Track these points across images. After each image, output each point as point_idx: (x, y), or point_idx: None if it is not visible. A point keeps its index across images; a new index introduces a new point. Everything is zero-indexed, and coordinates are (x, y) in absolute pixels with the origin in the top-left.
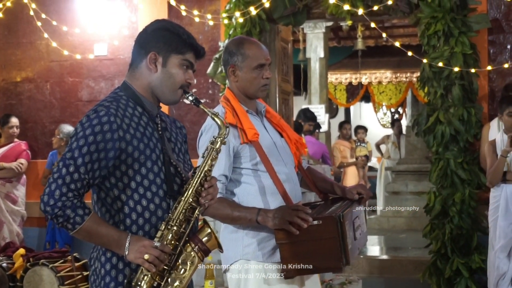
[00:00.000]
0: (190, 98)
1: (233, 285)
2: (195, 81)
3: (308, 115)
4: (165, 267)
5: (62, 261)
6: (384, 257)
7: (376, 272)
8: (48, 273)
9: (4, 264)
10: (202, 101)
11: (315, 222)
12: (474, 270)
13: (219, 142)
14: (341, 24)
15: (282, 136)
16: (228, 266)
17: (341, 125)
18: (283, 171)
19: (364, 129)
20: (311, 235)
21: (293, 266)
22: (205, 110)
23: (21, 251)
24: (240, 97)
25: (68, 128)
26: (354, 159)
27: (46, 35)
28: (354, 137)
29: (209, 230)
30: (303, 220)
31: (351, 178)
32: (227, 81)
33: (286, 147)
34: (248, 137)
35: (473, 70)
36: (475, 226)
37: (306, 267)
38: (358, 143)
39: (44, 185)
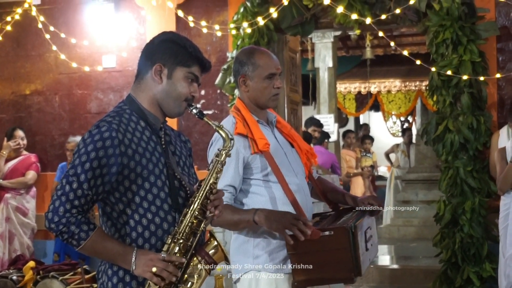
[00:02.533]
0: (194, 110)
1: None
2: (201, 93)
3: (314, 121)
4: (170, 279)
5: (72, 273)
6: (395, 266)
7: (387, 282)
8: (58, 286)
9: (14, 277)
10: (210, 112)
11: (327, 233)
12: (485, 279)
13: (224, 155)
14: (349, 33)
15: (293, 146)
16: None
17: (345, 134)
18: (294, 182)
19: (371, 139)
20: (322, 246)
21: (305, 277)
22: (209, 122)
23: (31, 263)
24: (251, 107)
25: (73, 140)
26: (359, 169)
27: (54, 48)
28: (361, 147)
29: (216, 243)
30: (301, 232)
31: (357, 188)
32: (236, 91)
33: (297, 157)
34: (259, 147)
35: (482, 78)
36: (485, 234)
37: (317, 278)
38: (364, 153)
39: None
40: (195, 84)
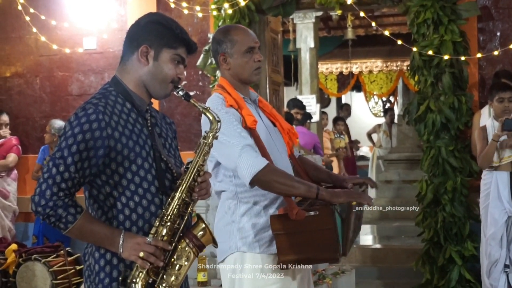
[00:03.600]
0: (181, 93)
1: (228, 276)
2: (185, 74)
3: (296, 103)
4: (157, 262)
5: (54, 255)
6: (377, 246)
7: (369, 262)
8: (41, 268)
9: None
10: (192, 93)
11: (312, 213)
12: (467, 258)
13: (211, 137)
14: (330, 14)
15: (275, 125)
16: (224, 258)
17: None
18: (278, 159)
19: (343, 120)
20: (307, 226)
21: (289, 256)
22: (196, 104)
23: (13, 246)
24: (234, 84)
25: (59, 123)
26: (334, 151)
27: (35, 30)
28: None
29: (204, 225)
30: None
31: (333, 169)
32: (218, 73)
33: (279, 136)
34: (248, 123)
35: (463, 58)
36: (467, 214)
37: (302, 258)
38: (337, 135)
39: (36, 180)
40: (181, 66)
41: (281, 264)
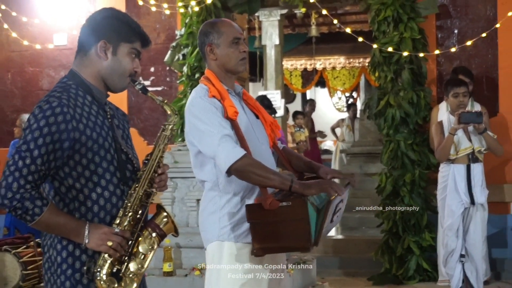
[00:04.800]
0: (138, 86)
1: (209, 263)
2: (150, 70)
3: (265, 103)
4: (122, 252)
5: (24, 247)
6: (339, 237)
7: (331, 252)
8: (11, 259)
9: None
10: (160, 88)
11: (285, 204)
12: (424, 248)
13: (169, 129)
14: (295, 11)
15: (258, 117)
16: (206, 246)
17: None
18: (259, 150)
19: (302, 114)
20: (280, 216)
21: (263, 245)
22: (153, 97)
23: None
24: (220, 75)
25: (26, 117)
26: (295, 144)
27: (5, 26)
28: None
29: (165, 214)
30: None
31: None
32: (185, 68)
33: (262, 128)
34: (229, 114)
35: (421, 55)
36: (425, 205)
37: (275, 246)
38: (297, 129)
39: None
40: (137, 60)
41: (256, 253)
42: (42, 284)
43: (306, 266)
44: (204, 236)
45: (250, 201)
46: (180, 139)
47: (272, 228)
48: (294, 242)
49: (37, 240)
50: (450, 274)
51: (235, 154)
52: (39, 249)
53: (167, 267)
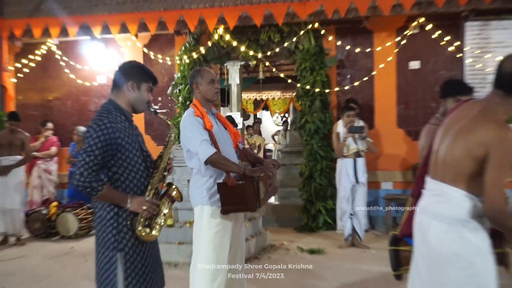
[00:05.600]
0: (151, 109)
1: (196, 219)
2: (158, 99)
3: (230, 120)
4: (157, 211)
5: (80, 209)
6: (276, 203)
7: (271, 213)
8: (71, 217)
9: (44, 212)
10: (164, 111)
11: (240, 182)
12: (328, 209)
13: (172, 136)
14: (249, 63)
15: (226, 129)
16: (194, 208)
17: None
18: (226, 150)
19: (252, 127)
20: (238, 190)
21: (227, 208)
22: (161, 117)
23: (55, 203)
24: (202, 102)
25: (82, 129)
26: (248, 145)
27: (67, 70)
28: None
29: (175, 187)
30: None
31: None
32: (180, 98)
33: (228, 136)
34: (207, 126)
35: (327, 90)
36: (329, 183)
37: (236, 208)
38: (250, 136)
39: (68, 163)
40: (150, 93)
41: (223, 212)
42: (92, 232)
43: (255, 221)
44: (192, 202)
45: (220, 180)
46: (177, 142)
47: (233, 197)
48: (247, 205)
49: (88, 204)
50: (344, 225)
51: (209, 152)
52: (89, 210)
53: (169, 222)
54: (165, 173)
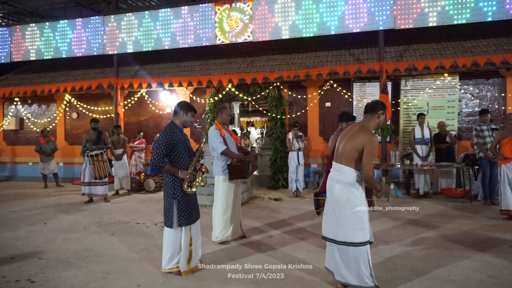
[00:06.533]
0: (194, 125)
1: (215, 182)
2: (197, 120)
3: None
4: (195, 178)
5: (155, 176)
6: (257, 174)
7: (254, 179)
8: (151, 181)
9: (137, 178)
10: (200, 126)
11: (239, 163)
12: (284, 178)
13: (203, 139)
14: (244, 102)
15: (231, 136)
16: (215, 176)
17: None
18: (231, 146)
19: (245, 136)
20: (237, 167)
21: (232, 177)
22: (198, 129)
23: (143, 174)
24: (220, 123)
25: (158, 135)
26: (243, 145)
27: (150, 105)
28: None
29: (204, 165)
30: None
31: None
32: (208, 120)
33: (233, 139)
34: (222, 135)
35: (284, 116)
36: (284, 164)
37: (237, 177)
38: (244, 139)
39: (151, 153)
40: (193, 117)
41: (230, 178)
42: (162, 189)
43: (247, 184)
44: (214, 173)
45: (228, 162)
46: (206, 143)
47: (235, 171)
48: (242, 176)
49: (160, 175)
50: (292, 186)
51: (222, 148)
52: (160, 177)
53: (202, 183)
54: (200, 159)
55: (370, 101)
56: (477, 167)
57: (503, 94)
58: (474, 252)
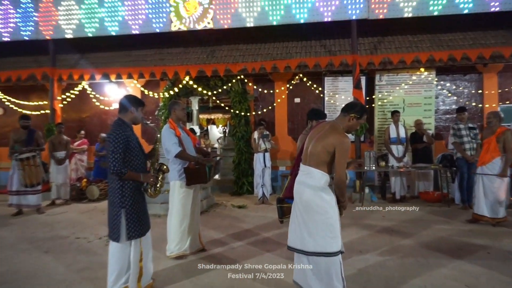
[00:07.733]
0: (146, 122)
1: (171, 188)
2: (149, 117)
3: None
4: (158, 180)
5: (100, 183)
6: (218, 178)
7: (215, 184)
8: (95, 188)
9: (78, 184)
10: (153, 124)
11: (197, 166)
12: (249, 182)
13: (158, 137)
14: (203, 97)
15: (189, 135)
16: (170, 182)
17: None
18: (189, 148)
19: (204, 134)
20: (196, 171)
21: (190, 182)
22: (151, 126)
23: (85, 180)
24: (175, 120)
25: (103, 135)
26: (203, 145)
27: (94, 100)
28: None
29: (165, 166)
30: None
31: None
32: (162, 117)
33: (190, 140)
34: (177, 135)
35: (248, 114)
36: (249, 167)
37: (194, 182)
38: (204, 139)
39: (95, 156)
40: (141, 112)
41: (187, 184)
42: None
43: (206, 189)
44: (169, 178)
45: (185, 166)
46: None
47: (193, 175)
48: (201, 180)
49: (105, 181)
50: (257, 191)
51: (177, 150)
52: (106, 182)
53: (162, 186)
54: (157, 160)
55: (352, 101)
56: (454, 168)
57: (480, 91)
58: (451, 260)
